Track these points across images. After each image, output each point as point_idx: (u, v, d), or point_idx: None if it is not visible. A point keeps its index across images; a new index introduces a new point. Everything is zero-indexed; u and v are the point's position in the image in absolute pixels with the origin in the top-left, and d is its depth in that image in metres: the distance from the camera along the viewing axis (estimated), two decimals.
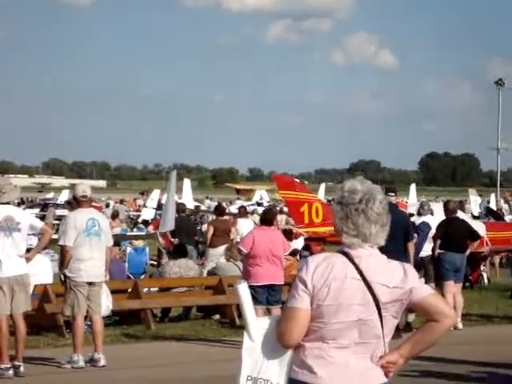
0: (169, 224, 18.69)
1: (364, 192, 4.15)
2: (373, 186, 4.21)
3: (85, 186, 11.33)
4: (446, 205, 15.49)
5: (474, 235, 14.93)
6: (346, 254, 4.11)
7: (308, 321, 4.05)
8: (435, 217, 16.40)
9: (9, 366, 10.18)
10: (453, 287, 14.51)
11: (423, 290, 4.12)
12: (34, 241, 13.47)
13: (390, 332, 4.11)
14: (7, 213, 10.33)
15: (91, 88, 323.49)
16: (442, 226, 14.76)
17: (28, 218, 10.92)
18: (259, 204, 54.35)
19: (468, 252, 14.87)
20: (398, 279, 4.08)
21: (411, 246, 13.17)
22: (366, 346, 4.05)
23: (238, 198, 68.10)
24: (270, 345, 4.13)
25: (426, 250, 15.25)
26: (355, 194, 4.15)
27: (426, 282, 15.39)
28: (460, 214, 16.53)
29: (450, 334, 13.22)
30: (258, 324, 4.20)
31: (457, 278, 14.64)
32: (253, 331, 4.17)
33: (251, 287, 12.45)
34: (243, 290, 4.26)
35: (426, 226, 15.58)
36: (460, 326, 14.24)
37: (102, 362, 10.78)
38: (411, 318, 13.64)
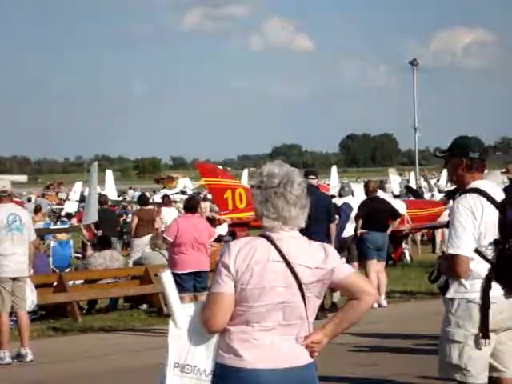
0: (92, 216, 18.56)
1: (282, 175, 4.19)
2: (291, 169, 4.25)
3: (4, 182, 11.21)
4: (366, 185, 15.71)
5: (395, 214, 15.20)
6: (268, 238, 4.15)
7: (232, 305, 4.08)
8: (356, 197, 16.64)
9: None
10: (376, 266, 14.76)
11: (344, 270, 4.19)
12: None
13: (313, 312, 4.18)
14: None
15: (8, 81, 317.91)
16: (363, 205, 14.98)
17: None
18: (183, 192, 54.17)
19: (389, 230, 15.14)
20: (320, 260, 4.14)
21: (333, 228, 13.35)
22: (291, 327, 4.11)
23: (164, 187, 67.63)
24: (196, 331, 4.15)
25: (349, 230, 15.46)
26: (274, 178, 4.19)
27: (349, 262, 15.66)
28: (380, 194, 16.80)
29: (375, 312, 13.53)
30: (183, 311, 4.21)
31: (379, 257, 14.89)
32: (178, 318, 4.18)
33: (177, 275, 12.58)
34: (167, 277, 4.27)
35: (347, 206, 15.79)
36: (384, 303, 14.50)
37: (29, 357, 10.71)
38: (336, 297, 13.84)
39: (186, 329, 4.17)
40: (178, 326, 4.18)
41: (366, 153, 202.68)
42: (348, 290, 4.20)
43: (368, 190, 15.31)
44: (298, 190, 4.20)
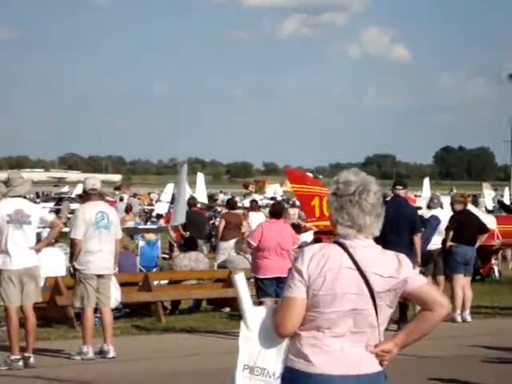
0: (180, 218, 18.76)
1: (358, 183, 4.19)
2: (367, 177, 4.24)
3: (94, 180, 11.44)
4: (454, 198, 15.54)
5: (483, 228, 14.96)
6: (341, 245, 4.16)
7: (304, 310, 4.10)
8: (445, 210, 16.42)
9: (18, 357, 10.30)
10: (463, 280, 14.56)
11: (417, 280, 4.17)
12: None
13: (384, 321, 4.16)
14: (18, 206, 10.47)
15: (106, 83, 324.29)
16: (454, 218, 14.82)
17: (39, 211, 11.07)
18: (272, 198, 54.32)
19: (477, 245, 14.91)
20: (393, 269, 4.13)
21: (418, 239, 13.20)
22: (361, 334, 4.11)
23: (255, 192, 67.97)
24: (266, 334, 4.17)
25: (435, 243, 15.29)
26: (350, 186, 4.19)
27: (435, 276, 15.54)
28: (471, 208, 16.55)
29: (459, 327, 13.33)
30: (254, 313, 4.24)
31: (466, 271, 14.69)
32: (249, 320, 4.21)
33: (260, 280, 12.61)
34: (240, 279, 4.31)
35: (434, 219, 15.61)
36: (469, 318, 14.29)
37: (112, 354, 10.88)
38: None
39: (256, 331, 4.20)
40: (250, 329, 4.21)
41: (461, 166, 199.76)
42: (421, 300, 4.18)
43: (457, 202, 15.12)
44: (374, 198, 4.19)
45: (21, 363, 10.29)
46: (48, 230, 12.42)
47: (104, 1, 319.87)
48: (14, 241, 10.34)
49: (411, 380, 9.46)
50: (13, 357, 10.29)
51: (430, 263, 15.38)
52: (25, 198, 11.15)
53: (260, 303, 12.27)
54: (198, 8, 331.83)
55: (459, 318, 14.14)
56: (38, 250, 10.62)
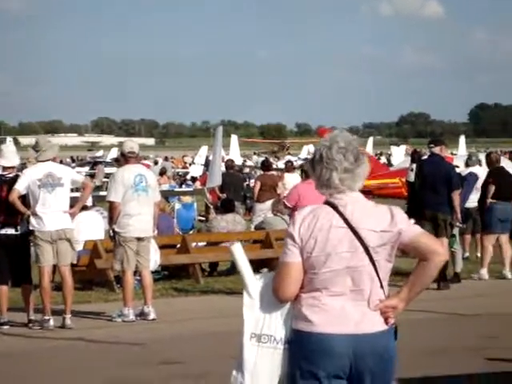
0: (216, 180, 18.75)
1: (326, 141, 4.21)
2: (336, 134, 4.23)
3: (132, 143, 11.46)
4: (488, 157, 15.40)
5: None
6: (331, 204, 4.17)
7: (301, 273, 4.13)
8: (483, 167, 16.29)
9: (47, 318, 10.44)
10: (501, 238, 14.49)
11: (412, 230, 4.15)
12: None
13: (386, 276, 4.15)
14: (48, 170, 10.54)
15: (138, 48, 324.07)
16: (493, 174, 14.66)
17: (69, 172, 11.17)
18: (306, 159, 54.20)
19: None
20: (386, 223, 4.12)
21: (456, 197, 13.13)
22: (361, 292, 4.10)
23: (289, 153, 67.92)
24: (268, 300, 4.19)
25: (473, 200, 15.20)
26: (321, 144, 4.24)
27: (474, 233, 15.48)
28: (505, 165, 16.38)
29: (498, 285, 13.24)
30: (255, 281, 4.24)
31: (504, 228, 14.59)
32: (251, 288, 4.22)
33: None
34: (237, 249, 4.28)
35: (472, 176, 15.52)
36: (509, 275, 14.24)
37: (152, 316, 10.96)
38: (459, 268, 13.63)
39: (259, 299, 4.21)
40: (252, 297, 4.22)
41: (497, 123, 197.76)
42: (417, 250, 4.15)
43: (491, 161, 15.01)
44: (337, 153, 4.15)
45: (52, 323, 10.41)
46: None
47: None
48: (46, 204, 10.42)
49: (463, 338, 9.48)
50: (45, 317, 10.45)
51: (468, 221, 15.31)
52: (61, 162, 11.21)
53: None
54: None
55: (509, 275, 14.19)
56: (73, 214, 10.70)
